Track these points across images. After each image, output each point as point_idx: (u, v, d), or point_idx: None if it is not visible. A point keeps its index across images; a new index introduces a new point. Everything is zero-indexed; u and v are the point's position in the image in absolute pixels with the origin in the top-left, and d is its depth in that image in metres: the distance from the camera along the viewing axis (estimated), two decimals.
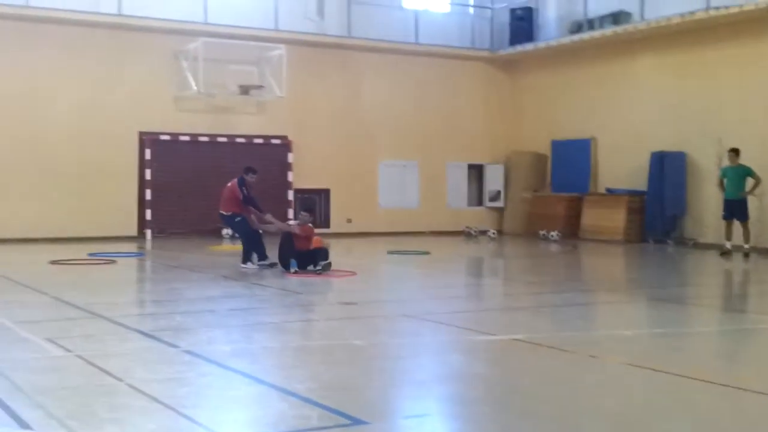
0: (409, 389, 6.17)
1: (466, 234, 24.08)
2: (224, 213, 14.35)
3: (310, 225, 13.95)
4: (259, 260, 13.95)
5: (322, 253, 13.33)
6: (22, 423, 4.97)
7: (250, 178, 14.24)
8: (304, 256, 13.35)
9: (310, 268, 13.22)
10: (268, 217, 14.15)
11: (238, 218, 14.18)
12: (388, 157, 24.23)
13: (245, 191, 14.05)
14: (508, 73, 25.76)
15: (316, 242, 13.59)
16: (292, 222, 15.72)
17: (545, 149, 24.65)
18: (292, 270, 13.10)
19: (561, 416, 5.37)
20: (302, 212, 14.29)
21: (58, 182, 20.14)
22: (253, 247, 14.06)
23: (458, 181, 25.32)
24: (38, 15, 19.77)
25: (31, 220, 19.74)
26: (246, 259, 14.02)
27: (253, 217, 14.25)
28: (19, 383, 5.97)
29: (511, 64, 25.61)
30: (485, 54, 25.32)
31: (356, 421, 5.08)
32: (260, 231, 14.24)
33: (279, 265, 13.51)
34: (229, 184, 14.29)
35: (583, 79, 23.43)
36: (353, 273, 13.44)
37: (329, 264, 13.27)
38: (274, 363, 6.92)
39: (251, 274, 13.21)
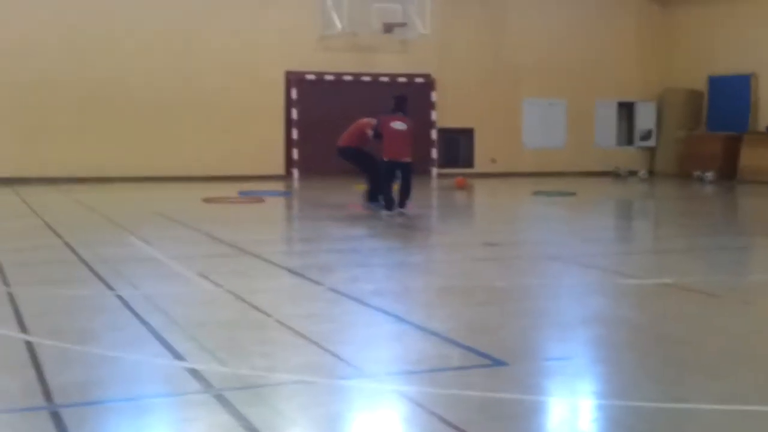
0: (551, 331, 6.09)
1: (615, 174, 23.45)
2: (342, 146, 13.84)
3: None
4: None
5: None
6: (176, 354, 5.20)
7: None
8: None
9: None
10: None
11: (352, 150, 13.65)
12: (534, 95, 23.74)
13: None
14: (662, 5, 24.60)
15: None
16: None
17: (701, 86, 23.52)
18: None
19: (710, 365, 5.16)
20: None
21: (211, 122, 20.70)
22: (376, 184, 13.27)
23: (607, 120, 24.57)
24: None
25: (187, 159, 20.47)
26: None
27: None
28: (174, 316, 6.25)
29: None
30: None
31: (497, 362, 5.06)
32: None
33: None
34: (365, 120, 13.84)
35: (744, 12, 22.09)
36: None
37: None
38: (416, 302, 6.96)
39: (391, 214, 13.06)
